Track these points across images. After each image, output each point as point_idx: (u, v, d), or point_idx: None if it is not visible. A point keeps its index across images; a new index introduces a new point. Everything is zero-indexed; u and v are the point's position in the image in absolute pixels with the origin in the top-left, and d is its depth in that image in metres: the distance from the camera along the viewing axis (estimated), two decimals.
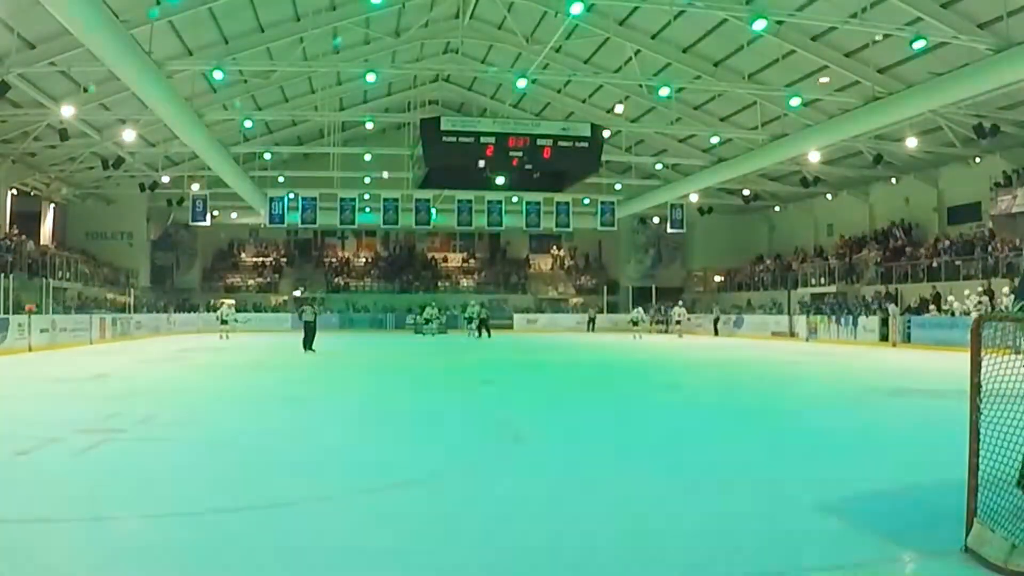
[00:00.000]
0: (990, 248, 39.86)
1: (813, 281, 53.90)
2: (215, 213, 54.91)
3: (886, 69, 32.28)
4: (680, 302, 55.96)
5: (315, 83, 43.50)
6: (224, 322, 45.99)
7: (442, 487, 9.13)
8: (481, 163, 28.60)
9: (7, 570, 6.05)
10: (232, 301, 51.35)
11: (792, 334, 49.21)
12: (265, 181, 51.18)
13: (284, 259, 72.74)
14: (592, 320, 64.95)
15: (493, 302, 64.88)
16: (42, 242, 50.53)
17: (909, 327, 39.57)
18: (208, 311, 63.32)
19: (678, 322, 53.40)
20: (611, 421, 14.65)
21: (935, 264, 43.30)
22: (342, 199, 52.20)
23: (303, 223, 53.45)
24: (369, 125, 47.22)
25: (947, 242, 43.32)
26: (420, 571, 6.21)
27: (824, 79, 34.86)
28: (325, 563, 6.30)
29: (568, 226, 55.41)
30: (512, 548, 6.74)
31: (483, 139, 27.73)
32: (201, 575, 6.11)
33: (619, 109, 44.41)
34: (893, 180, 49.24)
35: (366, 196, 53.34)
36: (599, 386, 22.03)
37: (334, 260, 73.52)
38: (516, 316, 64.86)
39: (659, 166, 51.71)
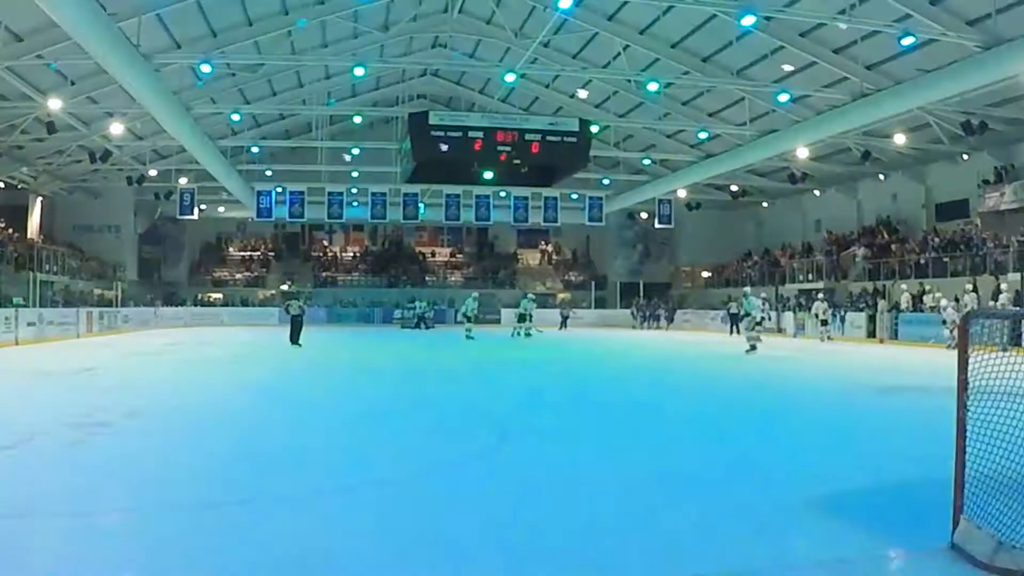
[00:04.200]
0: (976, 246, 39.92)
1: (801, 277, 53.94)
2: (202, 207, 54.97)
3: (875, 66, 32.27)
4: (820, 294, 46.79)
5: (303, 77, 43.50)
6: (523, 318, 42.95)
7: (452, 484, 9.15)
8: (469, 158, 28.60)
9: None
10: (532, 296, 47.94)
11: (780, 330, 49.20)
12: (253, 175, 51.24)
13: (272, 253, 72.68)
14: (635, 316, 64.27)
15: (481, 296, 64.98)
16: (29, 235, 50.40)
17: (897, 323, 39.61)
18: (195, 304, 63.39)
19: (824, 322, 44.00)
20: (605, 416, 14.68)
21: (923, 260, 43.37)
22: (330, 193, 52.27)
23: (291, 217, 53.67)
24: (357, 119, 47.17)
25: (936, 240, 43.26)
26: (411, 571, 6.22)
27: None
28: (311, 557, 6.30)
29: (556, 221, 55.63)
30: (498, 547, 6.74)
31: (471, 134, 27.70)
32: (187, 569, 6.10)
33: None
34: (881, 177, 49.32)
35: (354, 190, 53.45)
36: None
37: (322, 254, 73.51)
38: (504, 311, 64.57)
39: (647, 161, 51.63)
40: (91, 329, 41.69)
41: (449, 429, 13.26)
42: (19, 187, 50.20)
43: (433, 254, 74.94)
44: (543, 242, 75.68)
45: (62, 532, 7.10)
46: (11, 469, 9.49)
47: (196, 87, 38.22)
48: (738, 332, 38.41)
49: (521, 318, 42.16)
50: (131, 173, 49.97)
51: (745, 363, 28.32)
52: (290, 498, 8.26)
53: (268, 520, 7.39)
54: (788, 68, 35.02)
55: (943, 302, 35.57)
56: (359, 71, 33.59)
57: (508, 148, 27.99)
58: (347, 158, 49.44)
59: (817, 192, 55.52)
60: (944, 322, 34.05)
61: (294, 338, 33.44)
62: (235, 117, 42.70)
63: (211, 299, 66.77)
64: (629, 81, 37.76)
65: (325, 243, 74.54)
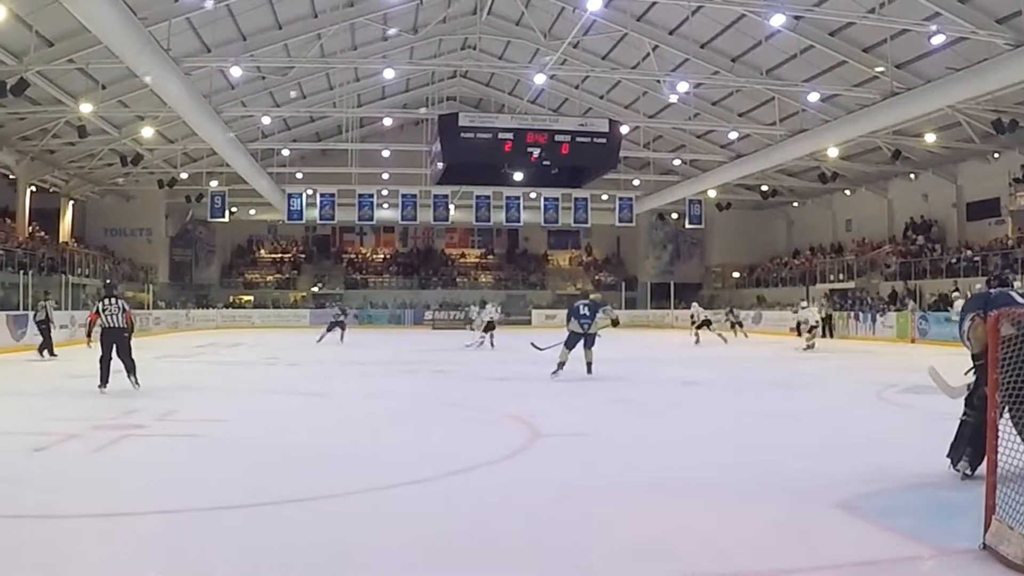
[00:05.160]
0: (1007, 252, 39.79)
1: (832, 277, 53.77)
2: (233, 210, 55.06)
3: (904, 64, 32.16)
4: (803, 301, 42.62)
5: (333, 79, 43.59)
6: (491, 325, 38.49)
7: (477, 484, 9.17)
8: (499, 159, 28.51)
9: (25, 566, 6.08)
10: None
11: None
12: (283, 177, 51.34)
13: (303, 255, 73.03)
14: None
15: (512, 298, 65.01)
16: (61, 239, 50.77)
17: (927, 323, 39.39)
18: (226, 307, 63.70)
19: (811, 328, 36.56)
20: (635, 418, 14.69)
21: (954, 260, 43.21)
22: (360, 195, 52.32)
23: (321, 219, 53.73)
24: (387, 121, 47.20)
25: (968, 252, 42.96)
26: (446, 572, 6.24)
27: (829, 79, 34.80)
28: (344, 558, 6.34)
29: (586, 222, 55.54)
30: (520, 548, 6.75)
31: (501, 135, 27.48)
32: (218, 571, 6.14)
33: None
34: (911, 176, 49.07)
35: (384, 192, 53.54)
36: None
37: (353, 256, 73.73)
38: (535, 312, 64.57)
39: (677, 162, 51.59)
40: None
41: (480, 429, 13.31)
42: (51, 191, 50.59)
43: (463, 256, 75.05)
44: (573, 243, 75.65)
45: (93, 533, 7.18)
46: (42, 471, 9.58)
47: (227, 90, 38.45)
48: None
49: (490, 326, 37.53)
50: (162, 176, 50.39)
51: (771, 363, 28.28)
52: (323, 499, 8.30)
53: (301, 521, 7.41)
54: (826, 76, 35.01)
55: (803, 303, 38.91)
56: (389, 73, 33.79)
57: (538, 149, 27.81)
58: (385, 154, 49.17)
59: (847, 192, 55.32)
60: (799, 324, 36.70)
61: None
62: (265, 120, 42.97)
63: (242, 301, 67.13)
64: (658, 82, 37.71)
65: (356, 245, 74.69)
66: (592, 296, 26.21)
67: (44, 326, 28.50)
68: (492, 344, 35.26)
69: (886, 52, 30.68)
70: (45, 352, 27.80)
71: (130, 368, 17.23)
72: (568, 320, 21.78)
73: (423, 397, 18.01)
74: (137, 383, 17.10)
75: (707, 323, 40.55)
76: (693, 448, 11.33)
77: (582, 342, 21.18)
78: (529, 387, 20.02)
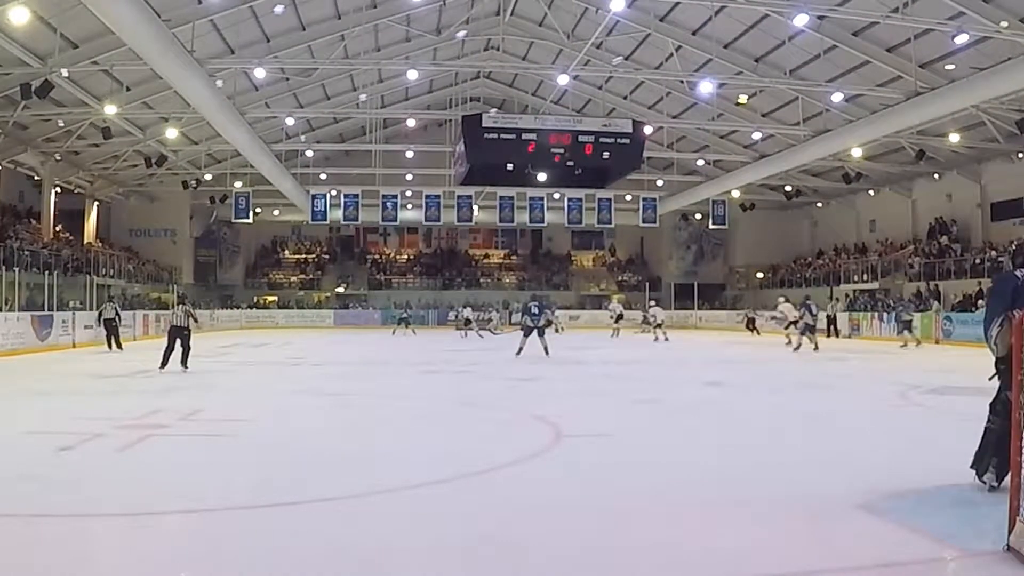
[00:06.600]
0: None
1: (856, 278, 53.61)
2: (258, 210, 55.44)
3: (928, 64, 32.05)
4: (652, 301, 48.55)
5: (357, 81, 43.62)
6: (468, 322, 51.92)
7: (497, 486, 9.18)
8: (523, 160, 28.52)
9: (51, 564, 6.11)
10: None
11: (835, 331, 48.79)
12: (307, 178, 51.56)
13: (327, 256, 73.20)
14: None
15: (535, 299, 65.02)
16: (86, 239, 50.96)
17: (952, 324, 39.21)
18: (250, 307, 63.88)
19: (658, 324, 43.51)
20: (657, 418, 14.68)
21: (979, 260, 43.00)
22: (384, 196, 52.58)
23: (345, 220, 54.11)
24: (411, 123, 47.28)
25: (992, 252, 42.75)
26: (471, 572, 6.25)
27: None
28: (369, 558, 6.34)
29: (610, 222, 55.75)
30: (545, 549, 6.76)
31: (524, 136, 27.52)
32: (242, 571, 6.16)
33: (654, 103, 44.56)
34: (936, 176, 48.81)
35: (408, 193, 53.73)
36: None
37: (377, 257, 73.84)
38: (558, 313, 64.38)
39: (701, 162, 51.62)
40: (147, 332, 42.03)
41: (503, 429, 13.33)
42: (76, 192, 50.82)
43: (487, 256, 75.14)
44: (597, 244, 75.61)
45: (118, 532, 7.23)
46: (68, 470, 9.63)
47: (250, 92, 38.55)
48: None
49: (467, 322, 50.69)
50: (186, 177, 50.76)
51: (794, 364, 28.21)
52: (347, 499, 8.32)
53: (326, 521, 7.43)
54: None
55: (651, 303, 46.70)
56: (412, 74, 33.84)
57: (562, 150, 27.81)
58: (409, 155, 49.18)
59: (871, 192, 55.09)
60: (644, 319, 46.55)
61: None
62: (289, 121, 43.07)
63: (266, 302, 67.41)
64: (682, 82, 37.65)
65: (380, 246, 74.81)
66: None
67: (113, 324, 32.41)
68: (465, 335, 47.02)
69: (910, 52, 30.63)
70: (113, 346, 32.09)
71: (184, 356, 22.34)
72: (522, 316, 29.70)
73: (447, 397, 18.02)
74: (186, 367, 22.10)
75: (620, 317, 48.07)
76: (716, 449, 11.29)
77: (535, 333, 28.56)
78: (552, 388, 20.06)
